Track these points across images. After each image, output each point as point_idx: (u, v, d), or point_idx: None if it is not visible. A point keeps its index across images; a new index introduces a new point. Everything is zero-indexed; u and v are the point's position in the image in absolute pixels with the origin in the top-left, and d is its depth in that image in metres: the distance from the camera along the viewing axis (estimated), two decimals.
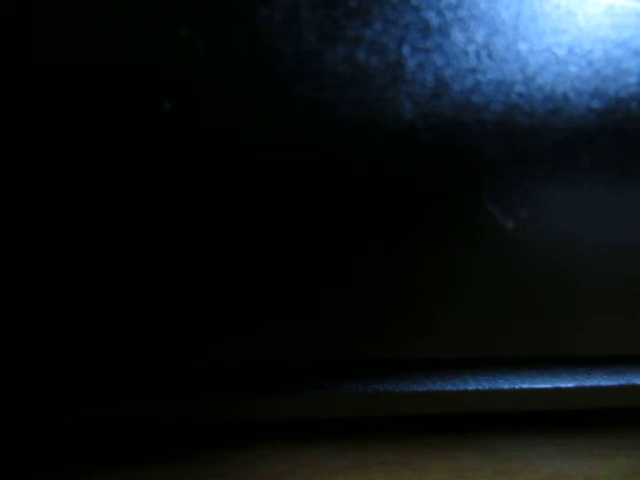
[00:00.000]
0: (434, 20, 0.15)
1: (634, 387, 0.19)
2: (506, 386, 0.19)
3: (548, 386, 0.19)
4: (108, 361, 0.16)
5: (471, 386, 0.18)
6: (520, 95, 0.16)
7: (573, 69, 0.16)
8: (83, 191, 0.15)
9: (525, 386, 0.19)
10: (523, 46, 0.16)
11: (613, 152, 0.17)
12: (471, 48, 0.16)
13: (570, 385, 0.19)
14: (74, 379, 0.16)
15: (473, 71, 0.16)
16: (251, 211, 0.16)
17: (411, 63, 0.15)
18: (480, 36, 0.16)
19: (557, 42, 0.16)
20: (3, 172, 0.14)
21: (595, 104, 0.16)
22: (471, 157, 0.16)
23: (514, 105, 0.16)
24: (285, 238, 0.16)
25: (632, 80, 0.16)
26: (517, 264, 0.17)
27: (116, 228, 0.15)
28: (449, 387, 0.18)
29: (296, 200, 0.16)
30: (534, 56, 0.16)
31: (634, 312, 0.18)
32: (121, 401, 0.17)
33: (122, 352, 0.16)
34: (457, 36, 0.15)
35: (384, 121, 0.16)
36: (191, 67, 0.15)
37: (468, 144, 0.16)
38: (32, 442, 0.18)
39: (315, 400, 0.18)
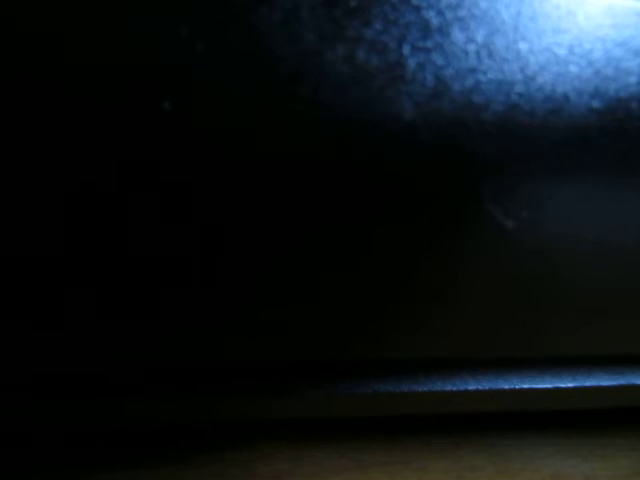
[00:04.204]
0: (434, 20, 0.15)
1: (634, 387, 0.19)
2: (506, 386, 0.19)
3: (548, 386, 0.19)
4: (108, 361, 0.16)
5: (471, 386, 0.18)
6: (520, 95, 0.16)
7: (573, 69, 0.16)
8: (83, 191, 0.15)
9: (525, 386, 0.19)
10: (523, 46, 0.16)
11: (613, 152, 0.17)
12: (471, 48, 0.16)
13: (570, 385, 0.19)
14: (74, 379, 0.16)
15: (473, 71, 0.16)
16: (250, 211, 0.16)
17: (411, 63, 0.15)
18: (480, 36, 0.16)
19: (557, 42, 0.16)
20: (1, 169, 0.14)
21: (595, 104, 0.16)
22: (471, 157, 0.16)
23: (514, 105, 0.16)
24: (285, 238, 0.16)
25: (632, 80, 0.16)
26: (517, 264, 0.17)
27: (116, 227, 0.15)
28: (449, 387, 0.18)
29: (296, 200, 0.16)
30: (534, 56, 0.16)
31: (634, 312, 0.18)
32: (121, 401, 0.17)
33: (122, 352, 0.16)
34: (457, 36, 0.15)
35: (384, 121, 0.16)
36: (191, 67, 0.15)
37: (468, 144, 0.16)
38: (32, 442, 0.18)
39: (315, 400, 0.18)
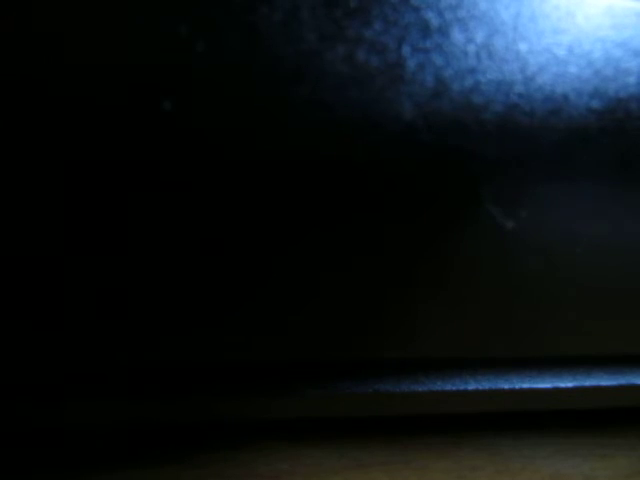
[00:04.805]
0: (434, 20, 0.15)
1: (634, 387, 0.19)
2: (506, 386, 0.19)
3: (548, 386, 0.19)
4: (108, 361, 0.16)
5: (471, 386, 0.18)
6: (520, 95, 0.16)
7: (573, 69, 0.16)
8: (82, 192, 0.15)
9: (525, 386, 0.19)
10: (523, 46, 0.16)
11: (613, 152, 0.17)
12: (471, 48, 0.16)
13: (570, 385, 0.19)
14: (74, 379, 0.16)
15: (473, 71, 0.16)
16: (250, 211, 0.16)
17: (411, 63, 0.15)
18: (480, 36, 0.16)
19: (557, 42, 0.16)
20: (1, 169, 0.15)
21: (595, 104, 0.16)
22: (471, 157, 0.16)
23: (514, 105, 0.16)
24: (285, 238, 0.16)
25: (632, 80, 0.16)
26: (517, 264, 0.17)
27: (115, 228, 0.15)
28: (449, 387, 0.18)
29: (295, 200, 0.16)
30: (534, 56, 0.16)
31: (634, 312, 0.18)
32: (121, 401, 0.17)
33: (122, 352, 0.16)
34: (457, 36, 0.15)
35: (384, 121, 0.16)
36: (191, 67, 0.15)
37: (468, 144, 0.16)
38: (32, 442, 0.18)
39: (315, 400, 0.18)
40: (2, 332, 0.16)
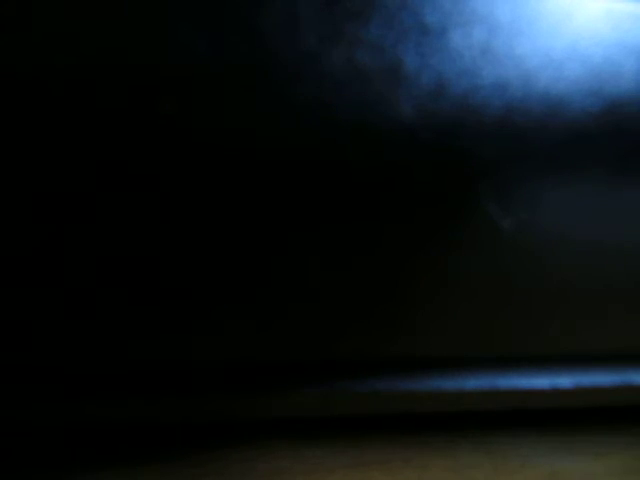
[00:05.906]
0: (433, 23, 0.15)
1: (631, 386, 0.19)
2: (504, 385, 0.19)
3: (546, 385, 0.19)
4: (108, 361, 0.16)
5: (470, 384, 0.18)
6: (518, 96, 0.16)
7: (571, 71, 0.16)
8: (84, 192, 0.15)
9: (523, 384, 0.19)
10: (521, 48, 0.16)
11: (610, 152, 0.17)
12: (470, 50, 0.16)
13: (568, 384, 0.19)
14: (74, 379, 0.16)
15: (472, 73, 0.16)
16: (251, 211, 0.16)
17: (410, 65, 0.15)
18: (479, 38, 0.16)
19: (555, 44, 0.16)
20: (2, 169, 0.14)
21: (593, 105, 0.17)
22: (469, 157, 0.16)
23: (512, 106, 0.16)
24: (285, 238, 0.16)
25: (629, 81, 0.17)
26: (515, 263, 0.17)
27: (117, 228, 0.15)
28: (448, 385, 0.18)
29: (296, 201, 0.16)
30: (532, 58, 0.16)
31: (632, 311, 0.19)
32: (121, 401, 0.17)
33: (122, 352, 0.16)
34: (456, 38, 0.15)
35: (383, 122, 0.16)
36: (191, 68, 0.15)
37: (467, 145, 0.16)
38: (32, 442, 0.18)
39: (314, 399, 0.18)
40: (3, 331, 0.16)
